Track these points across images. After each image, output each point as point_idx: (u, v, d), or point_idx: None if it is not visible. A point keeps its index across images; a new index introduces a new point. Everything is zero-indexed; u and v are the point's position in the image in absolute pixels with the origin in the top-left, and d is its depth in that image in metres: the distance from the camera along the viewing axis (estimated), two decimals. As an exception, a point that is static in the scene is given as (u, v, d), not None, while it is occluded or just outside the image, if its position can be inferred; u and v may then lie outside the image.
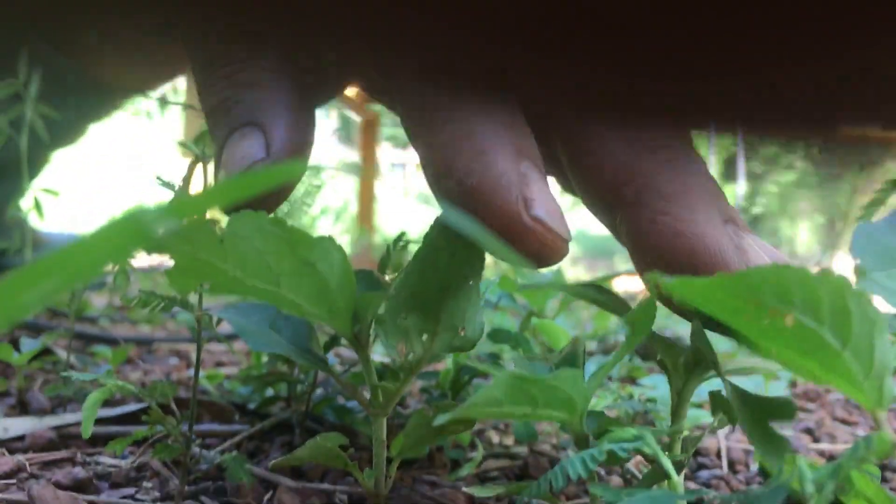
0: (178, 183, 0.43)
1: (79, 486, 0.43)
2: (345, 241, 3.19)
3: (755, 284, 0.26)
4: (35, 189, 0.69)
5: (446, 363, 0.62)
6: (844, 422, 0.73)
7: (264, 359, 0.64)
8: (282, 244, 0.31)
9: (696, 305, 0.28)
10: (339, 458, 0.39)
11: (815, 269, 0.25)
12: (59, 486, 0.43)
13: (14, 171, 1.05)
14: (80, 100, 1.08)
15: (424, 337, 0.37)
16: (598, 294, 0.41)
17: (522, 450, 0.57)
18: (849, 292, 0.25)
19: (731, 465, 0.58)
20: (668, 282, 0.27)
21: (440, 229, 0.34)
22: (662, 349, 0.38)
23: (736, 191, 1.46)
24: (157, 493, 0.44)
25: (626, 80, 0.25)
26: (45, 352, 0.70)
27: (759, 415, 0.31)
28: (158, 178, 0.42)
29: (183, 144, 0.43)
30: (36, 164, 1.06)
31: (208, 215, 0.37)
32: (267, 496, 0.45)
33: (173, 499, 0.43)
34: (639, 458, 0.57)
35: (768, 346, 0.29)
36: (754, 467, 0.57)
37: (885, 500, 0.30)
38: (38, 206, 0.69)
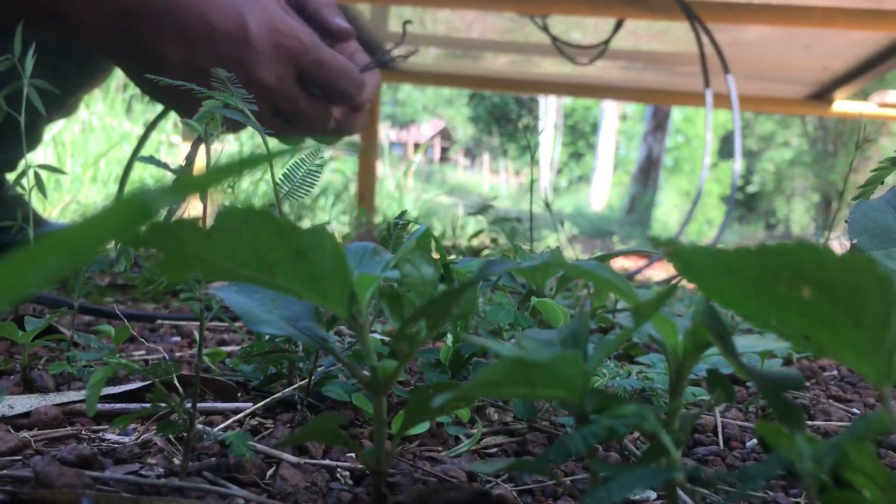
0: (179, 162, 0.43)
1: (84, 463, 0.44)
2: (345, 221, 3.18)
3: (773, 258, 0.26)
4: (33, 165, 0.69)
5: (447, 341, 0.63)
6: (839, 399, 0.74)
7: (266, 336, 0.64)
8: (272, 235, 0.32)
9: (710, 273, 0.29)
10: (340, 437, 0.40)
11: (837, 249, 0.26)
12: (63, 462, 0.43)
13: (9, 140, 1.05)
14: (74, 66, 1.08)
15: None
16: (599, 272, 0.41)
17: (522, 426, 0.58)
18: (871, 273, 0.25)
19: (727, 441, 0.58)
20: (684, 250, 0.27)
21: None
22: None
23: (734, 168, 1.44)
24: (160, 470, 0.44)
25: None
26: (50, 330, 0.70)
27: (774, 387, 0.33)
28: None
29: (186, 123, 0.43)
30: (32, 134, 1.06)
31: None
32: (270, 472, 0.46)
33: (177, 475, 0.44)
34: (635, 434, 0.57)
35: (780, 316, 0.29)
36: (750, 444, 0.58)
37: (883, 476, 0.31)
38: (39, 184, 0.69)
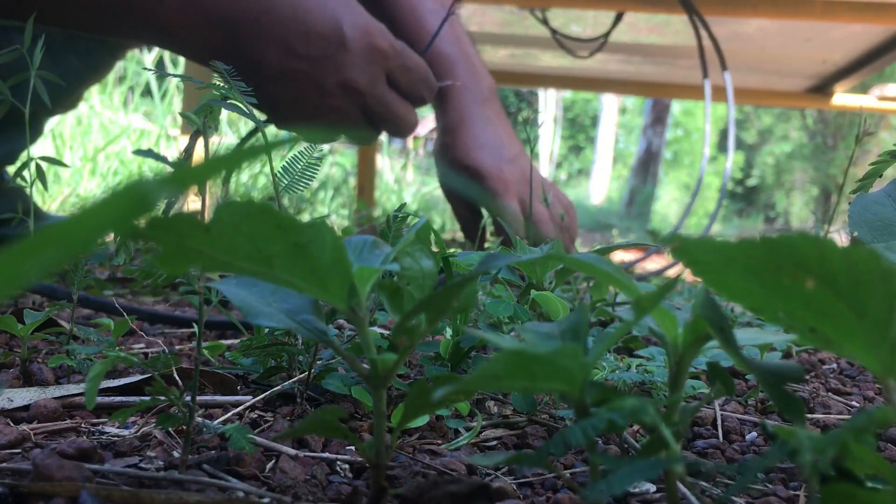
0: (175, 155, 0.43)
1: (83, 456, 0.44)
2: (344, 215, 3.18)
3: (776, 249, 0.26)
4: (35, 157, 0.69)
5: (446, 334, 0.63)
6: (838, 392, 0.74)
7: (265, 329, 0.64)
8: (272, 228, 0.32)
9: (716, 266, 0.29)
10: (339, 430, 0.40)
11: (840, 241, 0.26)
12: (63, 455, 0.43)
13: (11, 133, 1.05)
14: (77, 60, 1.08)
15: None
16: (599, 265, 0.41)
17: (521, 419, 0.58)
18: (874, 265, 0.25)
19: (727, 434, 0.58)
20: (690, 244, 0.27)
21: None
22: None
23: (726, 164, 1.44)
24: (160, 463, 0.44)
25: None
26: (49, 323, 0.70)
27: (775, 379, 0.33)
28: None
29: (185, 116, 0.43)
30: (33, 127, 1.06)
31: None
32: (269, 465, 0.46)
33: (177, 468, 0.44)
34: (635, 427, 0.57)
35: (785, 308, 0.29)
36: (750, 437, 0.58)
37: (886, 468, 0.31)
38: (40, 174, 0.68)
